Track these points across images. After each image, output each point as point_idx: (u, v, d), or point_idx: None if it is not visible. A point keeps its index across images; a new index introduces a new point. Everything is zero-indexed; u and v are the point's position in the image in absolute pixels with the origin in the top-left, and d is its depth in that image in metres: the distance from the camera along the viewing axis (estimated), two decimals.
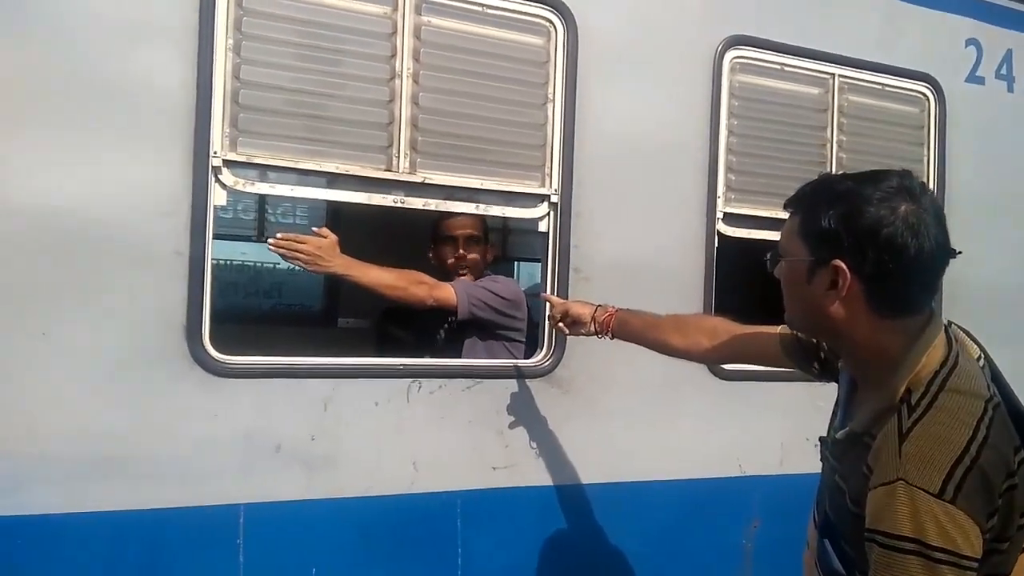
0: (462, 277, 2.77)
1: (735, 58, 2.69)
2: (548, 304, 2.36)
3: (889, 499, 1.19)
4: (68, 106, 1.92)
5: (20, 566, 1.88)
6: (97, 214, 1.94)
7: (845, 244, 1.28)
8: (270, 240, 2.37)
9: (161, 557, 2.00)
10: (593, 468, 2.49)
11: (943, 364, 1.28)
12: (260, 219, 4.50)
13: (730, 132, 2.68)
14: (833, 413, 1.50)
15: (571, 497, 2.47)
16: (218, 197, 2.06)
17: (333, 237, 2.42)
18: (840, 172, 1.42)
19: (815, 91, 2.84)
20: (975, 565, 1.17)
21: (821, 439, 1.50)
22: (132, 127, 1.98)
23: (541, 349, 2.47)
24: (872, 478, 1.24)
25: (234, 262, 4.50)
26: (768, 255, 1.44)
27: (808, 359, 1.69)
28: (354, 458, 2.19)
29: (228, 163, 2.07)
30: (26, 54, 1.89)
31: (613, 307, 2.15)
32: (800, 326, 1.51)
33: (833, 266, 1.29)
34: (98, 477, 1.94)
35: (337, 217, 4.52)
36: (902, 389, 1.27)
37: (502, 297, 2.65)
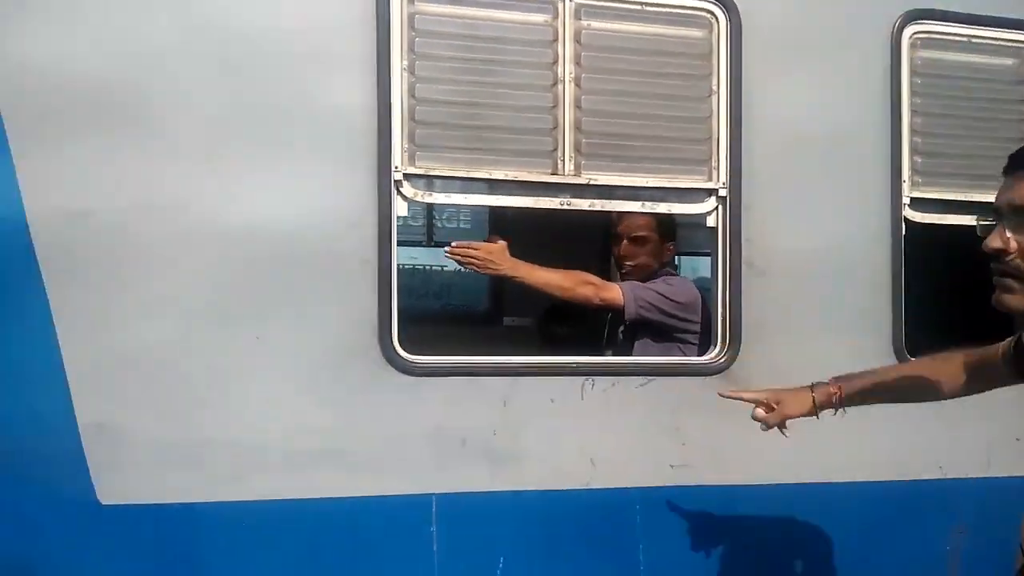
0: (627, 276, 2.78)
1: (915, 33, 2.50)
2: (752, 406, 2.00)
3: None
4: (267, 134, 2.14)
5: (242, 547, 2.12)
6: (295, 229, 2.14)
7: None
8: (446, 248, 2.51)
9: (363, 541, 2.18)
10: (774, 468, 2.40)
11: None
12: (428, 225, 4.75)
13: (914, 112, 2.50)
14: None
15: (751, 497, 2.42)
16: (400, 208, 2.21)
17: (502, 242, 2.53)
18: None
19: (1009, 62, 2.59)
20: None
21: None
22: (322, 149, 2.16)
23: (715, 346, 2.43)
24: None
25: (405, 266, 4.78)
26: (1005, 222, 1.29)
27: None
28: (533, 453, 2.27)
29: (408, 176, 2.21)
30: (230, 90, 2.12)
31: (832, 384, 1.88)
32: None
33: None
34: (306, 468, 2.14)
35: (500, 220, 4.68)
36: None
37: (672, 300, 2.63)
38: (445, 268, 4.76)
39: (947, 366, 1.79)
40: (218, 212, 2.10)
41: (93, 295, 2.02)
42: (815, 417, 1.90)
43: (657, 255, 2.83)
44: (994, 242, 1.29)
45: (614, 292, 2.60)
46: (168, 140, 2.07)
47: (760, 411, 1.94)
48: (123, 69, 2.05)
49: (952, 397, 1.86)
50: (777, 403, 1.91)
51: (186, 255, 2.08)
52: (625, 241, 2.79)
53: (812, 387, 1.89)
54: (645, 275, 2.79)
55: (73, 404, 1.99)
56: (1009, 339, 1.62)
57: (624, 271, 2.82)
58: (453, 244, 2.54)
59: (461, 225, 4.80)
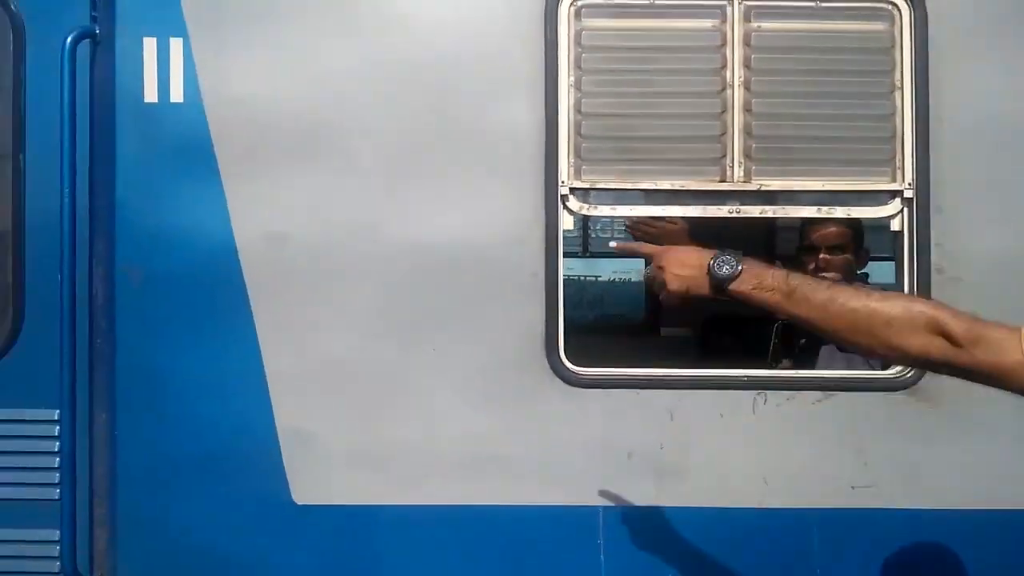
0: None
1: None
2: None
3: None
4: (443, 155, 2.24)
5: (416, 548, 2.22)
6: (469, 243, 2.23)
7: None
8: (613, 243, 2.42)
9: (527, 549, 2.22)
10: (967, 493, 2.22)
11: None
12: (584, 237, 4.79)
13: None
14: None
15: (941, 522, 2.23)
16: (566, 222, 2.24)
17: (683, 224, 2.43)
18: None
19: None
20: None
21: None
22: (494, 167, 2.24)
23: None
24: None
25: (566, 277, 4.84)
26: None
27: None
28: (702, 469, 2.22)
29: (574, 190, 2.24)
30: (407, 113, 2.24)
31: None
32: None
33: None
34: (478, 474, 2.21)
35: None
36: None
37: None
38: (599, 279, 4.78)
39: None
40: (399, 231, 2.23)
41: (291, 310, 2.22)
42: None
43: (851, 266, 2.68)
44: None
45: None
46: (354, 166, 2.23)
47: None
48: (315, 103, 2.23)
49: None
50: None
51: (371, 273, 2.22)
52: (823, 253, 2.64)
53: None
54: None
55: (272, 410, 2.18)
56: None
57: None
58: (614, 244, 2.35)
59: (616, 235, 4.80)
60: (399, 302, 2.23)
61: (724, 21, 2.24)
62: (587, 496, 2.20)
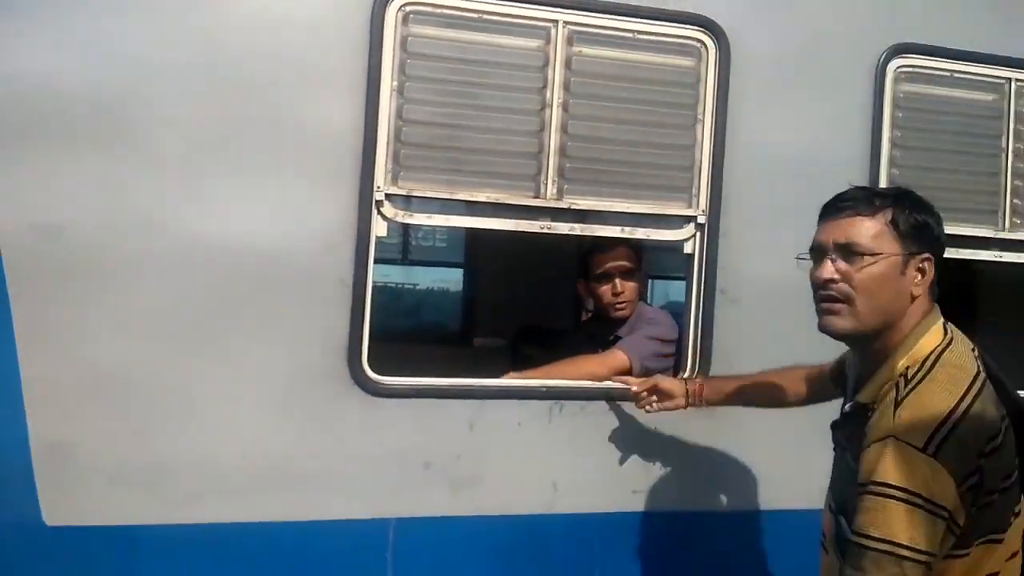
0: (619, 312, 2.74)
1: (899, 67, 2.54)
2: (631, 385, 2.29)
3: (880, 453, 1.41)
4: (250, 153, 2.09)
5: (195, 570, 2.05)
6: (274, 249, 2.09)
7: (933, 237, 1.56)
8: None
9: (321, 567, 2.12)
10: (738, 494, 2.43)
11: (938, 346, 1.51)
12: (404, 243, 4.71)
13: (893, 144, 2.53)
14: (842, 406, 1.72)
15: (715, 523, 2.42)
16: (379, 229, 2.17)
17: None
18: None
19: (989, 97, 2.63)
20: (946, 515, 1.38)
21: (832, 425, 1.69)
22: (305, 169, 2.12)
23: (684, 371, 2.43)
24: (868, 438, 1.46)
25: (377, 284, 4.72)
26: (831, 257, 1.56)
27: (840, 380, 1.87)
28: (496, 477, 2.24)
29: (389, 196, 2.17)
30: (214, 107, 2.07)
31: (699, 377, 2.27)
32: (872, 321, 1.55)
33: (924, 258, 1.54)
34: (267, 490, 2.08)
35: (476, 240, 4.65)
36: (900, 364, 1.50)
37: (664, 340, 2.60)
38: (417, 287, 4.72)
39: (793, 377, 2.09)
40: (193, 229, 2.05)
41: (59, 310, 1.96)
42: (688, 406, 2.19)
43: (640, 286, 2.80)
44: (824, 273, 1.56)
45: (618, 360, 2.52)
46: (147, 155, 2.02)
47: (636, 387, 2.24)
48: (105, 84, 1.99)
49: (797, 406, 2.12)
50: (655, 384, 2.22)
51: (156, 272, 2.03)
52: (618, 279, 2.72)
53: (686, 380, 2.24)
54: (631, 310, 2.76)
55: (27, 421, 1.91)
56: (835, 359, 1.91)
57: (619, 309, 2.74)
58: None
59: (437, 243, 4.77)
60: (186, 305, 2.05)
61: (548, 42, 2.28)
62: (378, 508, 2.14)
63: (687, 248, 2.43)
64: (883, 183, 2.50)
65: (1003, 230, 2.63)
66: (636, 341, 2.61)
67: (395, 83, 2.16)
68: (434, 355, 4.04)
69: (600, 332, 2.80)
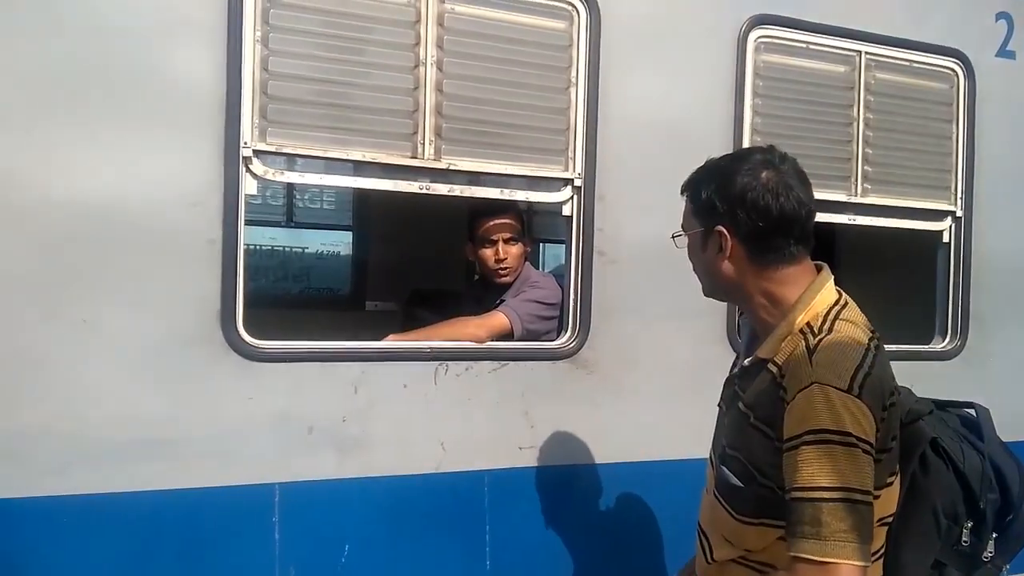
0: (503, 278, 2.78)
1: (759, 38, 2.67)
2: None
3: (808, 400, 1.40)
4: (101, 101, 1.98)
5: (64, 543, 1.97)
6: (132, 205, 2.00)
7: (722, 211, 1.55)
8: None
9: (199, 535, 2.08)
10: (618, 448, 2.53)
11: (836, 303, 1.54)
12: (289, 205, 4.59)
13: (755, 112, 2.67)
14: (733, 363, 1.77)
15: (596, 476, 2.52)
16: (249, 186, 2.11)
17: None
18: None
19: (841, 69, 2.81)
20: (875, 453, 1.40)
21: (726, 381, 1.73)
22: (164, 120, 2.03)
23: (566, 331, 2.50)
24: (789, 393, 1.45)
25: (264, 247, 4.59)
26: (672, 236, 1.70)
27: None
28: (383, 439, 2.25)
29: (258, 153, 2.12)
30: (59, 49, 1.95)
31: None
32: (709, 291, 1.70)
33: (716, 231, 1.56)
34: (138, 458, 2.02)
35: (364, 203, 4.59)
36: (799, 320, 1.52)
37: (547, 303, 2.66)
38: (306, 250, 4.63)
39: None
40: (41, 185, 1.93)
41: None
42: None
43: (524, 252, 2.85)
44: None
45: (499, 321, 2.58)
46: None
47: None
48: None
49: None
50: None
51: (4, 231, 1.90)
52: (501, 244, 2.77)
53: None
54: (517, 275, 2.81)
55: None
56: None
57: (502, 273, 2.79)
58: None
59: (325, 206, 4.67)
60: (39, 267, 1.94)
61: None
62: (261, 474, 2.12)
63: (565, 211, 2.48)
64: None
65: (855, 195, 2.83)
66: (518, 304, 2.67)
67: (258, 33, 2.10)
68: (325, 319, 3.99)
69: (487, 295, 2.85)
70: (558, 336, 2.54)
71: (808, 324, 1.50)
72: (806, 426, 1.39)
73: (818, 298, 1.54)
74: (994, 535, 1.60)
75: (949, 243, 3.01)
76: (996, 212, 3.04)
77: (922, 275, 3.17)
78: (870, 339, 1.50)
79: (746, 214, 1.52)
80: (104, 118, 1.98)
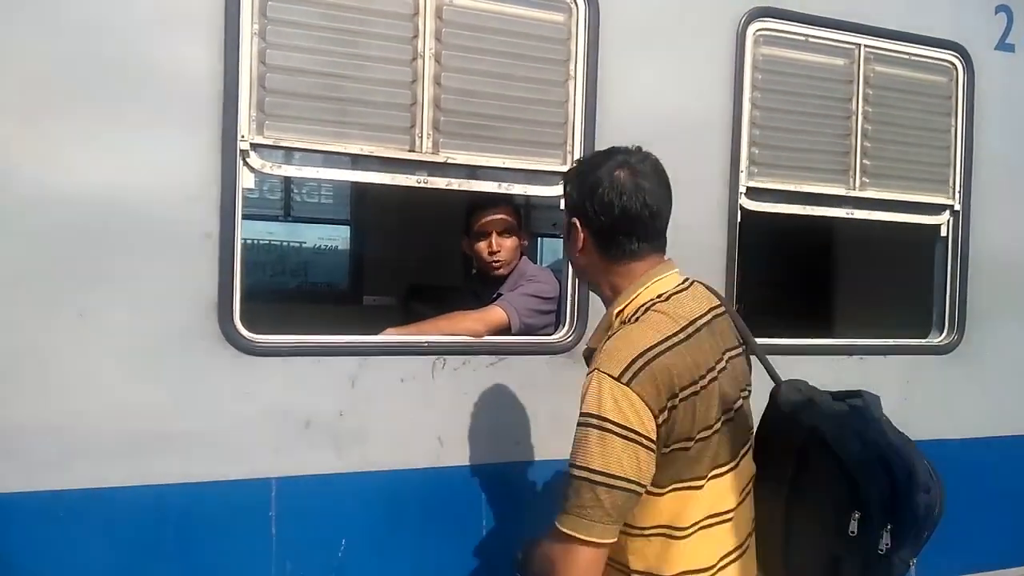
0: (498, 271, 2.78)
1: (758, 31, 2.66)
2: None
3: (586, 386, 1.50)
4: (99, 95, 1.97)
5: (62, 537, 1.97)
6: (129, 199, 2.00)
7: (577, 205, 1.64)
8: None
9: (196, 530, 2.08)
10: None
11: (661, 296, 1.59)
12: (286, 199, 4.57)
13: (753, 105, 2.66)
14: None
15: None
16: (246, 180, 2.10)
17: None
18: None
19: (840, 62, 2.80)
20: (645, 441, 1.45)
21: None
22: (161, 114, 2.02)
23: (563, 326, 2.50)
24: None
25: (261, 242, 4.58)
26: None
27: None
28: (381, 433, 2.25)
29: (255, 146, 2.11)
30: (55, 43, 1.93)
31: None
32: (580, 277, 1.86)
33: (572, 223, 1.66)
34: (135, 453, 2.01)
35: (362, 197, 4.58)
36: (617, 311, 1.61)
37: (545, 297, 2.65)
38: (304, 245, 4.62)
39: None
40: (37, 179, 1.92)
41: None
42: None
43: (519, 245, 2.83)
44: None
45: (496, 315, 2.56)
46: None
47: None
48: None
49: None
50: None
51: (2, 227, 1.90)
52: (495, 237, 2.76)
53: None
54: (512, 268, 2.80)
55: None
56: None
57: (496, 267, 2.78)
58: None
59: (323, 200, 4.65)
60: (35, 260, 1.93)
61: None
62: (258, 468, 2.12)
63: (562, 205, 2.47)
64: (744, 142, 2.64)
65: (854, 189, 2.82)
66: (515, 298, 2.66)
67: (256, 26, 2.09)
68: (322, 314, 3.99)
69: (484, 290, 2.85)
70: (556, 330, 2.53)
71: (620, 314, 1.60)
72: (581, 409, 1.49)
73: (644, 291, 1.60)
74: (889, 526, 1.55)
75: (947, 237, 3.01)
76: (994, 206, 3.04)
77: (920, 269, 3.17)
78: (678, 331, 1.53)
79: (594, 210, 1.60)
80: (101, 112, 1.97)
